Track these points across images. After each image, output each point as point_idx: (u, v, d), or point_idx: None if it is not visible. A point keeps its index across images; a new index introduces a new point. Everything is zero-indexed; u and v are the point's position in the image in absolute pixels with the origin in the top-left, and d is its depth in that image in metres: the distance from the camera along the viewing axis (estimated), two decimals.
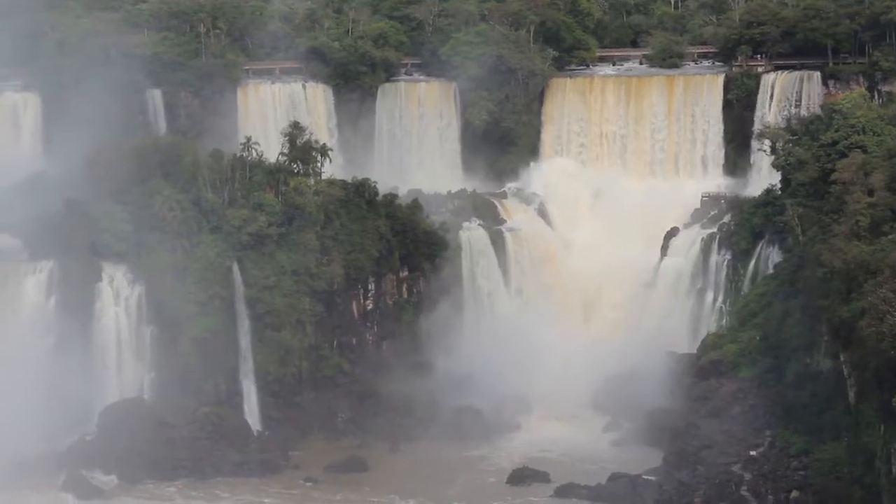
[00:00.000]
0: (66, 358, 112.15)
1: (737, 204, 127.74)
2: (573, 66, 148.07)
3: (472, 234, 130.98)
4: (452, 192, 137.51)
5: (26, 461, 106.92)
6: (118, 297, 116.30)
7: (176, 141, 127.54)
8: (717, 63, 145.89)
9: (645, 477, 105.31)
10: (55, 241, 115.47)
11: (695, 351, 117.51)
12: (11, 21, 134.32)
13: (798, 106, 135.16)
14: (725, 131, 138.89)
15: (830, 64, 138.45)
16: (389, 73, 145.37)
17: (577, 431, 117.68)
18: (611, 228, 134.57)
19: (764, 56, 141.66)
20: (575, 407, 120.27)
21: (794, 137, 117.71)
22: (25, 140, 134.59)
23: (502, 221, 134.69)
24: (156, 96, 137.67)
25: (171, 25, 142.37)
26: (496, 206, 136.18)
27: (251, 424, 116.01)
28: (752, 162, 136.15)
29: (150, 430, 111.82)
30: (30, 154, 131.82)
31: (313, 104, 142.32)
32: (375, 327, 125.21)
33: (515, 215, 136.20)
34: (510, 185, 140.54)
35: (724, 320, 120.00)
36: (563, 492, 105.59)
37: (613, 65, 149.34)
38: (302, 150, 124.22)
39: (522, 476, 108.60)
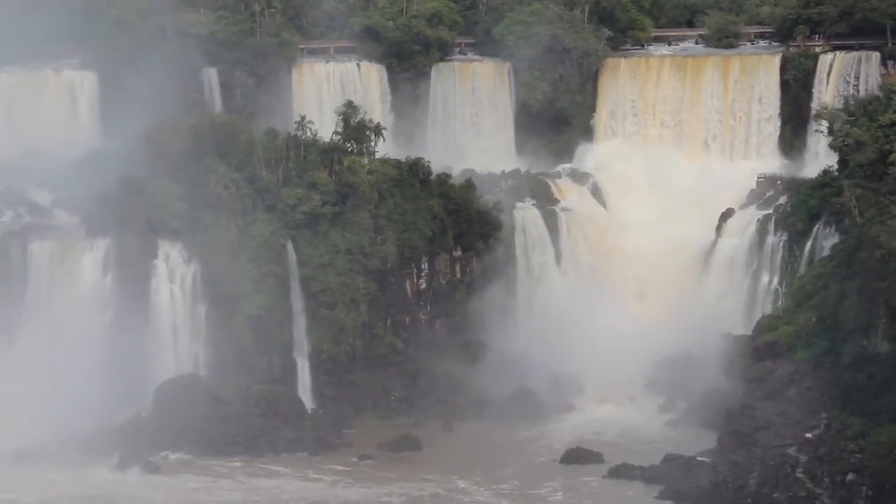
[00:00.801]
0: (122, 334, 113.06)
1: (793, 185, 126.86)
2: (628, 46, 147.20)
3: (526, 214, 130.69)
4: (506, 171, 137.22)
5: (83, 437, 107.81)
6: (173, 274, 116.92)
7: (231, 120, 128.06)
8: (773, 43, 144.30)
9: (699, 458, 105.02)
10: (112, 218, 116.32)
11: (750, 332, 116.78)
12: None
13: (856, 86, 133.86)
14: (782, 112, 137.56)
15: (889, 44, 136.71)
16: (443, 52, 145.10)
17: (631, 412, 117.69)
18: (665, 209, 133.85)
19: (821, 36, 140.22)
20: (629, 388, 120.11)
21: (852, 118, 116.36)
22: (83, 118, 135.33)
23: (556, 201, 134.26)
24: (211, 75, 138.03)
25: (226, 4, 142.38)
26: (550, 186, 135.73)
27: (305, 402, 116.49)
28: (808, 143, 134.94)
29: (205, 407, 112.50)
30: (87, 132, 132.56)
31: (367, 83, 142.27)
32: (429, 307, 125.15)
33: (569, 195, 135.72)
34: (564, 166, 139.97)
35: (780, 302, 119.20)
36: (616, 472, 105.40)
37: (669, 45, 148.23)
38: (356, 129, 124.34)
39: (576, 456, 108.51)
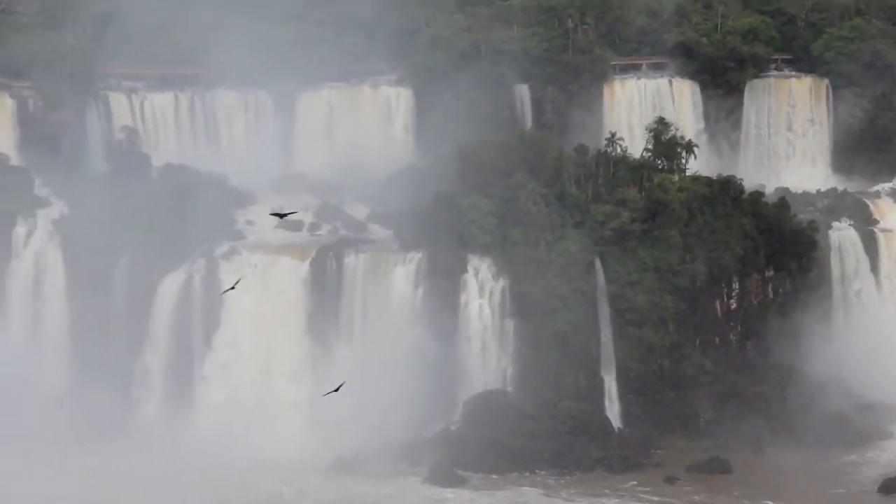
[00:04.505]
0: (432, 347, 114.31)
1: None
2: None
3: (842, 235, 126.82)
4: (822, 190, 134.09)
5: (394, 448, 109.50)
6: (483, 289, 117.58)
7: (541, 136, 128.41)
8: None
9: None
10: (424, 232, 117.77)
11: None
12: (389, 18, 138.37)
13: None
14: None
15: None
16: (758, 68, 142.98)
17: None
18: None
19: None
20: None
21: None
22: (398, 133, 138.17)
23: (875, 222, 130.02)
24: (523, 91, 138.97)
25: (540, 20, 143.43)
26: (868, 206, 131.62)
27: (611, 421, 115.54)
28: None
29: (512, 422, 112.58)
30: (401, 147, 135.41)
31: (679, 100, 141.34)
32: (739, 327, 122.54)
33: (889, 216, 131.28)
34: (884, 185, 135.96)
35: None
36: None
37: None
38: (667, 146, 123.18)
39: (894, 486, 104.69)
